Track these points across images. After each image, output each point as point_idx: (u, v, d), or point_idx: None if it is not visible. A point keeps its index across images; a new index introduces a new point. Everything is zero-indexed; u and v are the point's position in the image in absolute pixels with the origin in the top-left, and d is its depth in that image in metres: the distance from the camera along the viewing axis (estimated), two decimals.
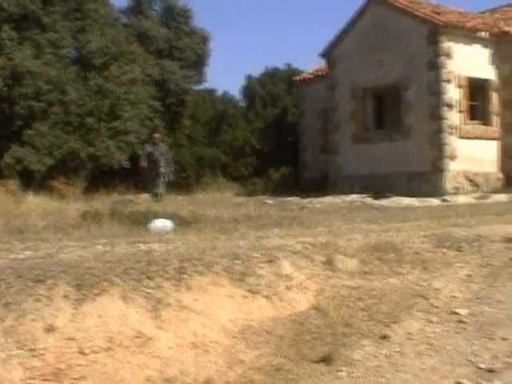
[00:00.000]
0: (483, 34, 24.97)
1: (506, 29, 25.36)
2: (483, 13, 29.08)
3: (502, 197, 21.69)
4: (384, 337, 6.59)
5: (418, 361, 5.92)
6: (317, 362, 5.88)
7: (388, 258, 9.71)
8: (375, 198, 22.50)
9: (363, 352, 6.14)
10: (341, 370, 5.68)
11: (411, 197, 21.67)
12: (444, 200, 21.25)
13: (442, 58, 23.70)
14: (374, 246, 10.10)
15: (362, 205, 20.96)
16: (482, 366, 5.72)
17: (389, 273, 9.09)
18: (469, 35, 24.60)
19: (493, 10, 29.40)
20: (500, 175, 24.72)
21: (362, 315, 7.27)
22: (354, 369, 5.71)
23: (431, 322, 7.11)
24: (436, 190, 22.91)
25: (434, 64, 23.80)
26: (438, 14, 25.00)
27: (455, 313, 7.36)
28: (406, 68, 24.60)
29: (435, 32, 23.82)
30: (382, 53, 25.24)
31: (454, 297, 7.97)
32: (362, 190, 24.25)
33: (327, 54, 28.20)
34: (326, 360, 5.88)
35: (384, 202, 21.37)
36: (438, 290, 8.25)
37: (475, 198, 21.74)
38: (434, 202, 20.93)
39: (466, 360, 5.87)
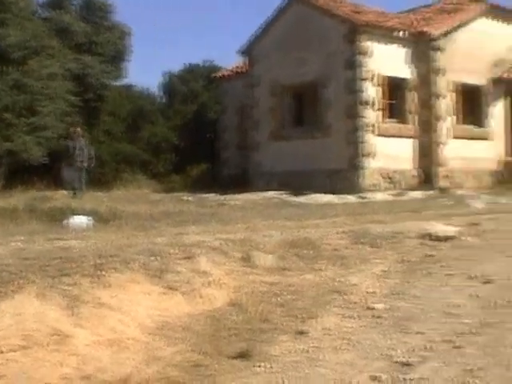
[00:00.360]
0: (401, 33, 25.41)
1: (424, 29, 25.85)
2: (402, 13, 29.59)
3: (417, 194, 22.14)
4: (302, 332, 6.63)
5: (335, 355, 5.97)
6: (235, 357, 5.88)
7: (306, 254, 9.80)
8: (293, 195, 22.66)
9: (281, 347, 6.16)
10: (259, 366, 5.68)
11: (330, 194, 21.88)
12: (361, 197, 21.56)
13: (361, 57, 24.03)
14: (291, 242, 10.19)
15: (281, 202, 21.11)
16: (398, 359, 5.80)
17: (306, 269, 9.18)
18: (387, 35, 25.00)
19: (411, 11, 29.92)
20: (416, 173, 25.19)
21: (280, 311, 7.31)
22: (272, 364, 5.72)
23: (348, 317, 7.18)
24: (353, 188, 23.21)
25: (353, 62, 24.10)
26: (358, 13, 25.34)
27: (372, 308, 7.45)
28: (326, 66, 24.84)
29: (354, 31, 24.13)
30: (301, 51, 25.43)
31: (371, 292, 8.07)
32: (280, 187, 24.37)
33: (247, 51, 28.27)
34: (244, 356, 5.88)
35: (302, 198, 21.56)
36: (355, 285, 8.36)
37: (392, 195, 22.13)
38: (352, 199, 21.19)
39: (383, 354, 5.94)
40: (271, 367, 5.67)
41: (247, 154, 28.13)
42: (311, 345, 6.28)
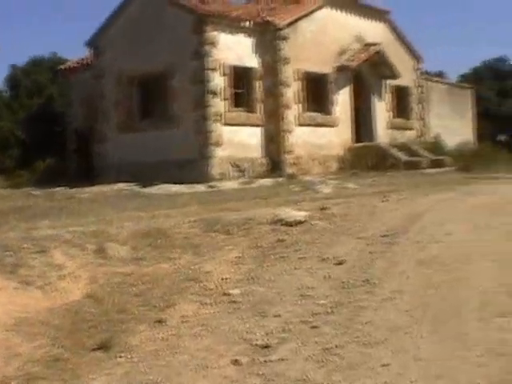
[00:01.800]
0: (247, 23, 25.64)
1: (269, 19, 26.19)
2: (248, 3, 29.85)
3: (266, 181, 22.45)
4: (160, 321, 6.67)
5: (195, 342, 6.05)
6: (95, 349, 5.87)
7: (159, 243, 9.84)
8: (143, 186, 22.50)
9: (141, 337, 6.20)
10: (120, 356, 5.70)
11: (179, 184, 21.86)
12: (211, 186, 21.65)
13: (207, 47, 24.03)
14: (144, 232, 10.20)
15: (131, 193, 20.94)
16: (257, 342, 5.94)
17: (160, 258, 9.22)
18: (233, 25, 25.16)
19: (257, 1, 30.26)
20: (264, 161, 25.54)
21: (137, 301, 7.33)
22: (133, 354, 5.75)
23: (205, 303, 7.29)
24: (203, 177, 23.25)
25: (199, 53, 24.09)
26: (204, 3, 25.41)
27: (227, 294, 7.58)
28: (172, 56, 24.72)
29: (200, 21, 24.12)
30: (148, 41, 25.19)
31: (226, 278, 8.20)
32: (130, 179, 24.10)
33: (93, 43, 27.75)
34: (104, 347, 5.88)
35: (152, 189, 21.46)
36: (210, 272, 8.47)
37: (241, 184, 22.34)
38: (202, 188, 21.25)
39: (242, 338, 6.08)
40: (132, 357, 5.70)
41: (96, 146, 27.67)
42: (170, 333, 6.34)
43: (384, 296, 7.24)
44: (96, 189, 22.84)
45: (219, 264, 8.87)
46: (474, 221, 11.64)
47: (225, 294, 7.57)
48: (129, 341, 6.06)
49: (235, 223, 11.29)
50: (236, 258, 9.27)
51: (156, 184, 22.30)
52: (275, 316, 6.72)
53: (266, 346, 5.83)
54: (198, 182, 22.27)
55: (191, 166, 24.03)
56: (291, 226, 11.18)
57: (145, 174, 23.87)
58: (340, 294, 7.39)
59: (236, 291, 7.63)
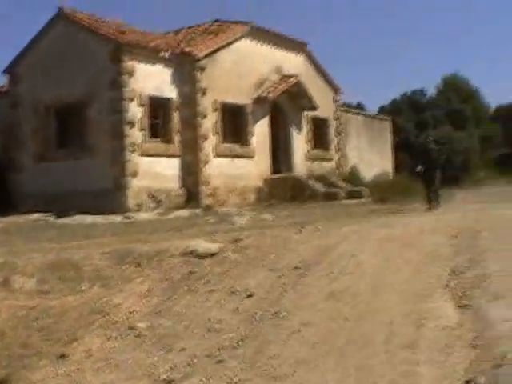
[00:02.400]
0: (166, 54, 25.57)
1: (187, 49, 26.21)
2: (167, 34, 29.81)
3: (182, 212, 22.35)
4: (63, 355, 6.56)
5: (98, 377, 5.95)
6: None
7: (68, 276, 9.67)
8: (59, 217, 22.17)
9: (42, 373, 6.05)
10: None
11: (96, 214, 21.60)
12: (126, 217, 21.43)
13: (125, 77, 23.87)
14: (53, 264, 10.01)
15: (45, 224, 20.60)
16: (162, 377, 5.88)
17: (68, 291, 9.05)
18: (152, 55, 25.06)
19: (176, 32, 30.26)
20: (181, 192, 25.43)
21: (41, 335, 7.17)
22: None
23: (111, 337, 7.18)
24: (119, 207, 23.00)
25: (117, 82, 23.90)
26: (123, 33, 25.25)
27: (135, 327, 7.48)
28: (90, 86, 24.48)
29: (118, 51, 23.96)
30: (66, 70, 24.89)
31: (134, 311, 8.10)
32: (46, 209, 23.73)
33: (10, 70, 27.33)
34: (5, 383, 5.71)
35: (67, 220, 21.15)
36: (118, 305, 8.35)
37: (157, 214, 22.20)
38: (117, 219, 21.03)
39: (146, 373, 6.00)
40: None
41: (12, 175, 27.14)
42: (73, 368, 6.23)
43: (293, 329, 7.24)
44: (10, 219, 22.39)
45: (128, 297, 8.76)
46: (385, 252, 11.79)
47: (131, 328, 7.48)
48: (30, 376, 5.92)
49: (147, 255, 11.19)
50: (145, 290, 9.16)
51: (72, 214, 21.97)
52: (181, 350, 6.66)
53: (170, 381, 5.77)
54: (114, 213, 22.03)
55: (108, 196, 23.76)
56: (203, 258, 11.13)
57: (61, 204, 23.52)
58: (248, 327, 7.37)
59: (143, 324, 7.53)
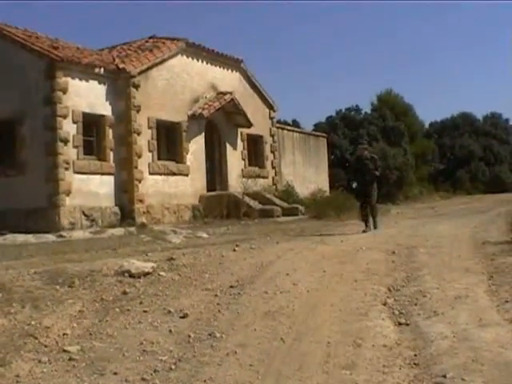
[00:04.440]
0: (100, 70, 25.33)
1: (122, 66, 26.01)
2: (102, 50, 29.58)
3: (117, 231, 22.08)
4: None
5: None
6: None
7: None
8: None
9: None
10: None
11: (28, 233, 21.19)
12: (60, 236, 21.08)
13: (58, 93, 23.55)
14: None
15: None
16: None
17: None
18: (86, 71, 24.78)
19: (111, 48, 30.03)
20: (116, 210, 25.17)
21: None
22: None
23: (41, 361, 6.95)
24: (53, 226, 22.67)
25: (50, 99, 23.56)
26: (56, 48, 24.93)
27: (66, 350, 7.27)
28: (22, 102, 24.11)
29: (52, 66, 23.64)
30: None
31: (65, 334, 7.87)
32: None
33: None
34: None
35: None
36: (49, 328, 8.10)
37: (91, 233, 21.88)
38: (50, 237, 20.65)
39: None
40: None
41: None
42: None
43: (228, 350, 7.13)
44: None
45: (60, 319, 8.52)
46: (321, 270, 11.78)
47: (63, 351, 7.25)
48: None
49: (79, 275, 10.98)
50: (77, 312, 8.93)
51: (2, 233, 21.51)
52: (114, 373, 6.48)
53: None
54: (47, 232, 21.72)
55: (40, 214, 23.43)
56: (137, 277, 10.97)
57: None
58: (183, 349, 7.23)
59: (74, 348, 7.32)
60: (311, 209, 28.82)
